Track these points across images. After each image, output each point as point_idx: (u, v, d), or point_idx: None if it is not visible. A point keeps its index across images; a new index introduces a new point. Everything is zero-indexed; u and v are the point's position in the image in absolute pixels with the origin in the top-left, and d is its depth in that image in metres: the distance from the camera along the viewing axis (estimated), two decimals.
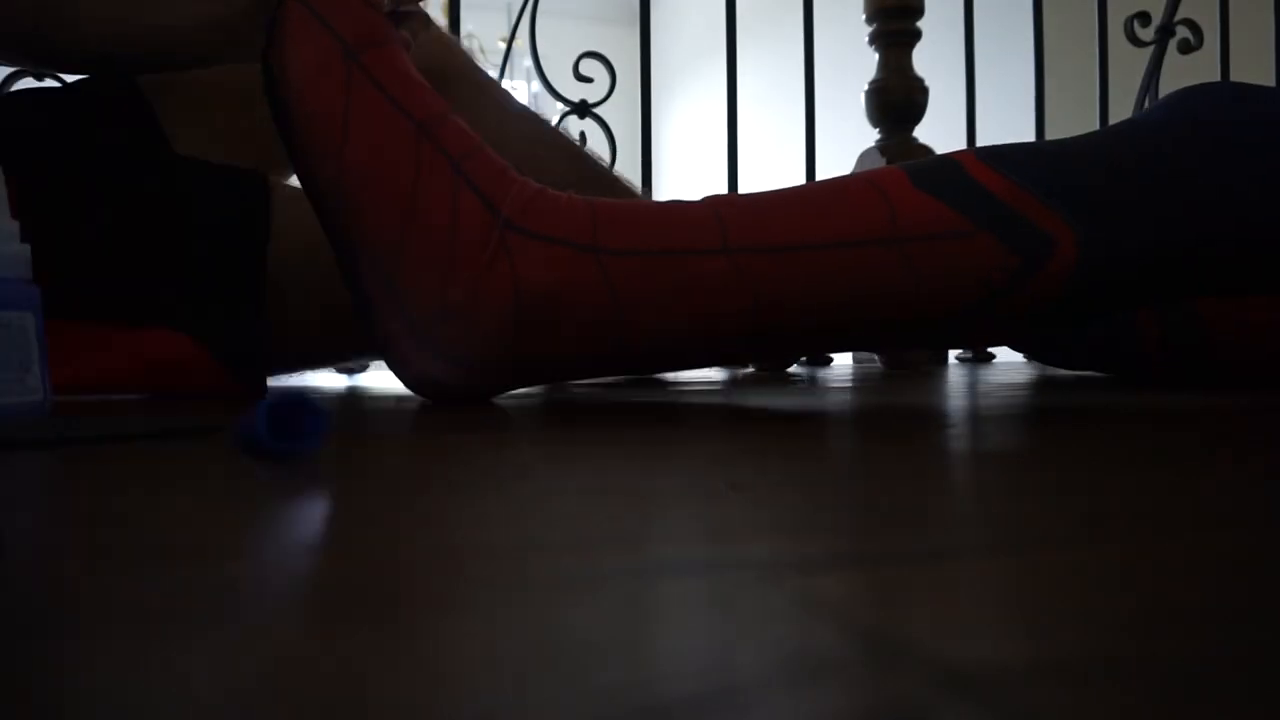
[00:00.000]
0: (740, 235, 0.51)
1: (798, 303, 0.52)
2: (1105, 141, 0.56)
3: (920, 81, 1.33)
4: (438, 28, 0.84)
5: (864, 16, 1.33)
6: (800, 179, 1.42)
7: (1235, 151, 0.53)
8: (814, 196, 0.53)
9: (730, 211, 0.53)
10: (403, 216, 0.54)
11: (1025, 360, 1.42)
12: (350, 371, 1.21)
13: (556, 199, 0.55)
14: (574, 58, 1.20)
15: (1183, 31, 1.47)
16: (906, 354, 1.23)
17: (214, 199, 0.70)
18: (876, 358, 1.33)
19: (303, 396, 0.33)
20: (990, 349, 1.27)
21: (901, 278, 0.51)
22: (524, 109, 0.92)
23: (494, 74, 0.95)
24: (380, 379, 1.14)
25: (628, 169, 1.02)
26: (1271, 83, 1.61)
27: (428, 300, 0.53)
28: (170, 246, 0.68)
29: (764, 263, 0.51)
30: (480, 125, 0.83)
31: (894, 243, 0.51)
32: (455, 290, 0.52)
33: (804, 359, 1.37)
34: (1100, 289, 0.51)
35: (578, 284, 0.51)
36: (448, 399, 0.56)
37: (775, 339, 0.53)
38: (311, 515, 0.23)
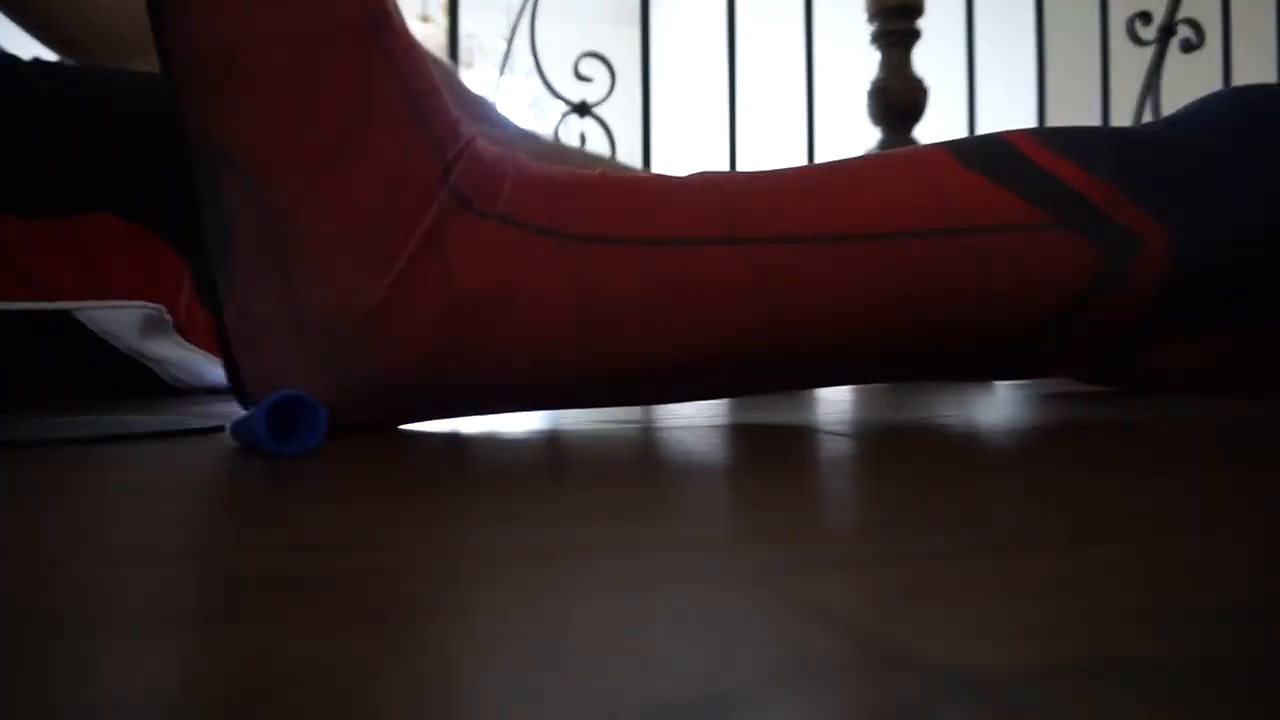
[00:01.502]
0: (750, 221, 0.39)
1: (829, 310, 0.40)
2: (1165, 133, 0.46)
3: (920, 81, 1.33)
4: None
5: (865, 16, 1.34)
6: None
7: None
8: (842, 174, 0.41)
9: (738, 192, 0.40)
10: (325, 155, 0.37)
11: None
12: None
13: (500, 160, 0.40)
14: (574, 58, 1.20)
15: (1184, 31, 1.47)
16: None
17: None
18: None
19: (302, 397, 0.33)
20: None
21: (964, 278, 0.40)
22: (521, 134, 0.86)
23: (494, 74, 0.92)
24: None
25: None
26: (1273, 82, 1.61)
27: (336, 292, 0.38)
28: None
29: (783, 256, 0.39)
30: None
31: (954, 234, 0.40)
32: (376, 281, 0.38)
33: None
34: (1195, 298, 0.42)
35: (530, 279, 0.38)
36: (333, 426, 0.42)
37: (794, 361, 0.41)
38: (310, 515, 0.23)
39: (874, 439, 0.39)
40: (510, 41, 1.30)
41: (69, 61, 0.74)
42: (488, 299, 0.38)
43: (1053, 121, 1.51)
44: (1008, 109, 2.31)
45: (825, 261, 0.39)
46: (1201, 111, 0.49)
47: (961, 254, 0.40)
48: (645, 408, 0.58)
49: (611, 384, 0.41)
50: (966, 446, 0.36)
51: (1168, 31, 1.47)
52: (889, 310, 0.40)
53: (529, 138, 0.85)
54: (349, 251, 0.38)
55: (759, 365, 0.41)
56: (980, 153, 0.42)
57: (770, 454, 0.34)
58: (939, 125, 1.46)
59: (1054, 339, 0.42)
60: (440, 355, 0.39)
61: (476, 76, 5.03)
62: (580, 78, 1.17)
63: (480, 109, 0.82)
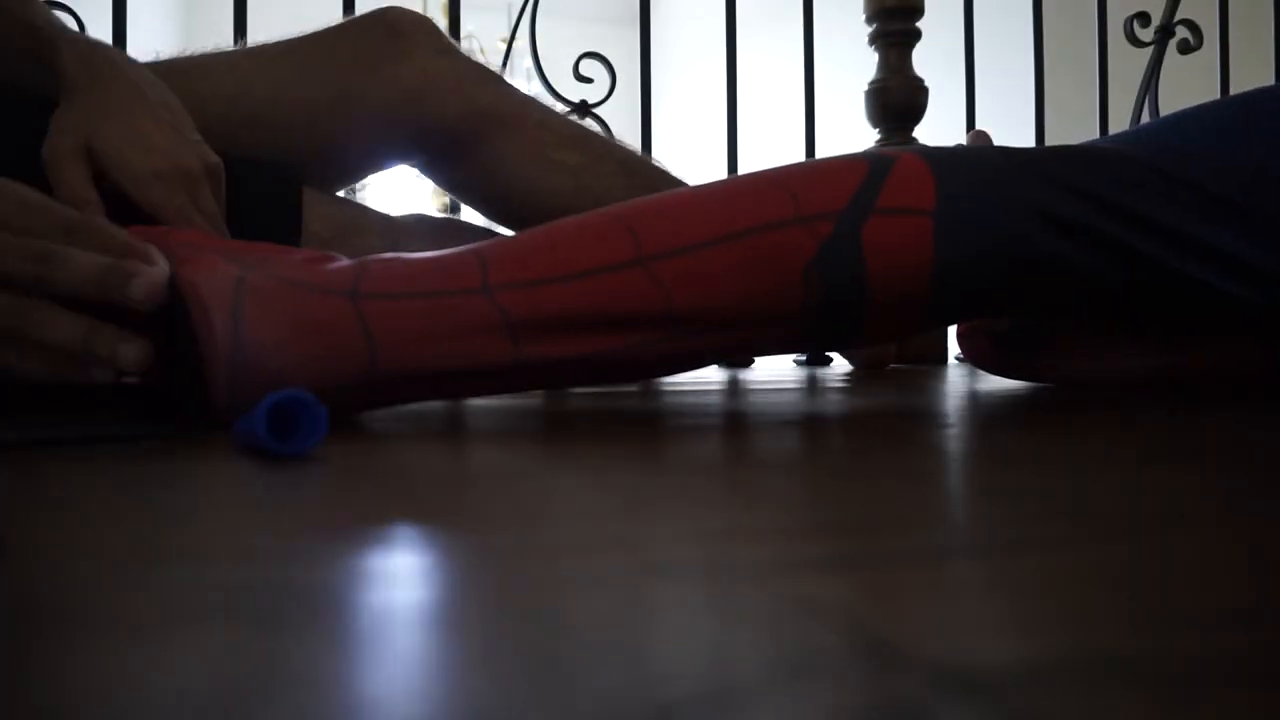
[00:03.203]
0: (501, 272, 0.47)
1: (557, 331, 0.47)
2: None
3: (920, 81, 1.33)
4: (457, 73, 0.80)
5: (864, 16, 1.34)
6: None
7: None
8: (554, 233, 0.50)
9: (495, 251, 0.49)
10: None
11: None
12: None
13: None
14: (574, 58, 1.20)
15: (1182, 32, 1.47)
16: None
17: (249, 187, 0.70)
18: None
19: (302, 396, 0.33)
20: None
21: (781, 204, 0.50)
22: (569, 127, 0.85)
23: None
24: None
25: None
26: (1271, 83, 1.61)
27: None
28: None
29: (520, 297, 0.47)
30: (515, 179, 0.81)
31: (777, 184, 0.50)
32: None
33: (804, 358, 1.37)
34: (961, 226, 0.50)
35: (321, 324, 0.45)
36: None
37: (540, 376, 0.49)
38: (309, 515, 0.23)
39: (873, 438, 0.39)
40: (510, 42, 1.30)
41: None
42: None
43: (1051, 123, 1.52)
44: (1006, 109, 2.30)
45: (551, 296, 0.48)
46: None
47: (777, 191, 0.50)
48: (647, 406, 0.58)
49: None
50: (965, 446, 0.36)
51: (1166, 33, 1.47)
52: (603, 318, 0.48)
53: (583, 142, 0.84)
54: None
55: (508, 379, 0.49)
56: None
57: (769, 452, 0.34)
58: (939, 125, 1.47)
59: (856, 241, 0.49)
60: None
61: None
62: (580, 78, 1.17)
63: (524, 132, 0.82)
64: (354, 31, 0.80)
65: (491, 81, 0.81)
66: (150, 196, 0.60)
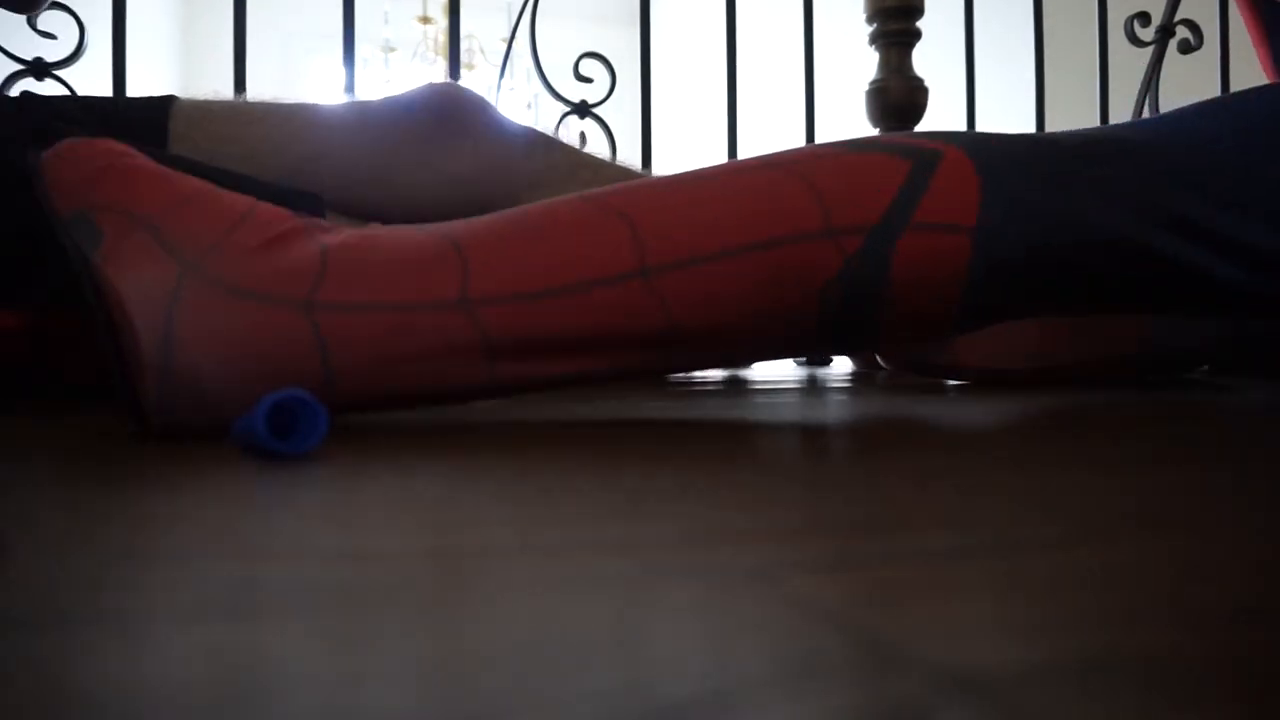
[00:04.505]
0: (483, 279, 0.42)
1: (539, 346, 0.43)
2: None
3: (920, 81, 1.33)
4: (508, 153, 0.78)
5: (864, 16, 1.34)
6: None
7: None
8: (547, 228, 0.44)
9: (477, 243, 0.43)
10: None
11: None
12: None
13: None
14: (574, 58, 1.20)
15: (1183, 32, 1.47)
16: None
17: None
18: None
19: (302, 396, 0.33)
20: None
21: (797, 196, 0.44)
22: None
23: (494, 74, 0.90)
24: None
25: None
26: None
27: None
28: None
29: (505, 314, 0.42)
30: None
31: (783, 166, 0.45)
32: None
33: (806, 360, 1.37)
34: (1006, 222, 0.46)
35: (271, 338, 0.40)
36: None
37: (512, 386, 0.45)
38: (309, 515, 0.23)
39: (872, 437, 0.39)
40: (510, 42, 1.30)
41: None
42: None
43: (1052, 123, 1.52)
44: (1007, 109, 2.30)
45: (539, 310, 0.43)
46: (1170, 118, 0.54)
47: (800, 188, 0.45)
48: (646, 407, 0.58)
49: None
50: (965, 446, 0.36)
51: (1166, 32, 1.47)
52: (589, 337, 0.43)
53: (538, 143, 0.83)
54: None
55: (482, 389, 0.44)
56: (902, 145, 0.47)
57: (768, 452, 0.34)
58: (939, 125, 1.46)
59: (888, 249, 0.45)
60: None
61: (476, 77, 5.03)
62: (580, 78, 1.17)
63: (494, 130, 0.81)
64: (413, 113, 0.77)
65: (540, 150, 0.80)
66: None
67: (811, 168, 0.46)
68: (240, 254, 0.41)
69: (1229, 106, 0.55)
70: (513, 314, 0.42)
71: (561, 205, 0.45)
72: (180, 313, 0.39)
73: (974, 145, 0.47)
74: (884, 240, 0.44)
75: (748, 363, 0.49)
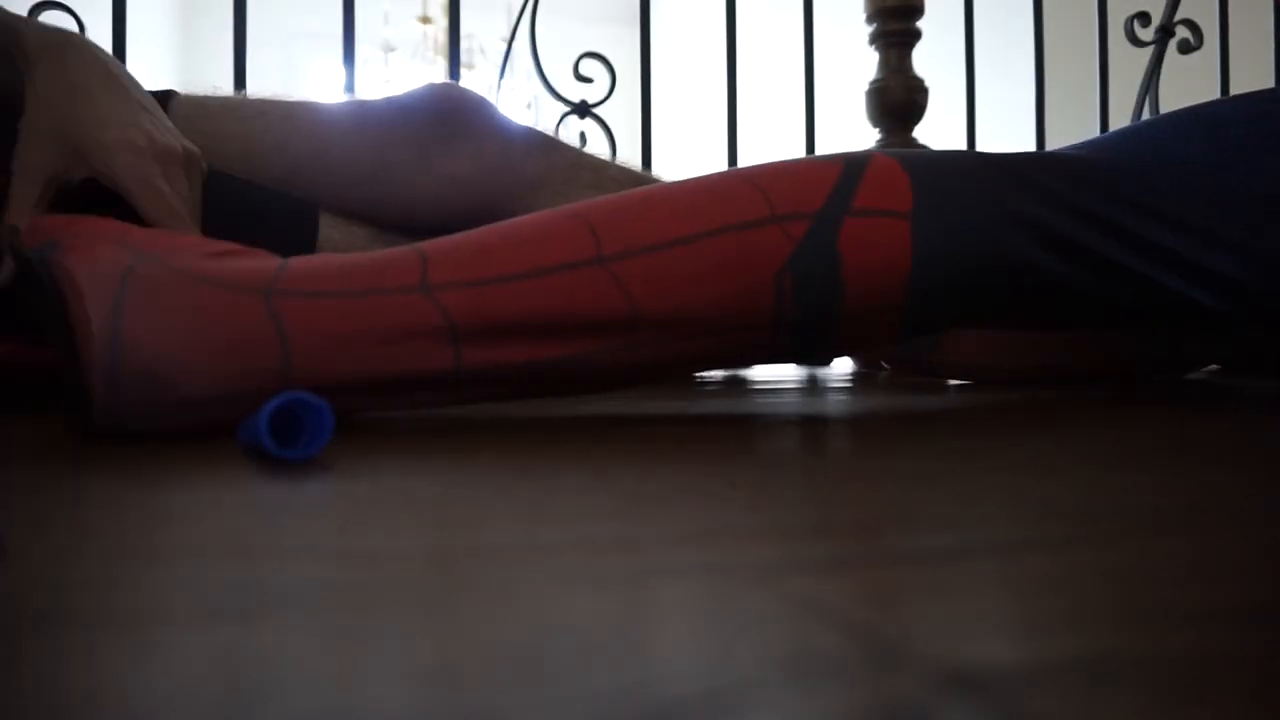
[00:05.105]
0: (444, 269, 0.43)
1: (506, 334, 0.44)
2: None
3: (920, 81, 1.33)
4: (508, 155, 0.78)
5: (864, 16, 1.34)
6: None
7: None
8: (506, 230, 0.46)
9: (439, 247, 0.45)
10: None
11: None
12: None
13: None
14: (574, 58, 1.20)
15: (1182, 32, 1.47)
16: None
17: (269, 217, 0.70)
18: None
19: (307, 399, 0.33)
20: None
21: (752, 202, 0.47)
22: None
23: (494, 74, 0.89)
24: None
25: None
26: (1271, 83, 1.61)
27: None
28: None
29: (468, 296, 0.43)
30: None
31: (747, 180, 0.48)
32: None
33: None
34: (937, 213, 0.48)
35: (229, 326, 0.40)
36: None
37: (483, 388, 0.45)
38: (309, 515, 0.23)
39: (872, 437, 0.39)
40: (510, 42, 1.30)
41: None
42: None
43: (1051, 123, 1.51)
44: (1006, 109, 2.30)
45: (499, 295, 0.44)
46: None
47: (748, 189, 0.47)
48: (646, 407, 0.58)
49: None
50: (965, 446, 0.36)
51: (1166, 32, 1.47)
52: (554, 321, 0.44)
53: (539, 144, 0.82)
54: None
55: (450, 390, 0.45)
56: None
57: (768, 452, 0.34)
58: (939, 125, 1.47)
59: (833, 236, 0.47)
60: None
61: (476, 77, 5.03)
62: (580, 78, 1.17)
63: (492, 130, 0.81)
64: (412, 113, 0.77)
65: (540, 151, 0.79)
66: (116, 164, 0.56)
67: (753, 172, 0.49)
68: (200, 255, 0.42)
69: (1200, 118, 0.56)
70: (475, 296, 0.43)
71: (523, 217, 0.47)
72: (130, 293, 0.39)
73: (897, 153, 0.51)
74: (828, 226, 0.47)
75: (717, 365, 0.50)
